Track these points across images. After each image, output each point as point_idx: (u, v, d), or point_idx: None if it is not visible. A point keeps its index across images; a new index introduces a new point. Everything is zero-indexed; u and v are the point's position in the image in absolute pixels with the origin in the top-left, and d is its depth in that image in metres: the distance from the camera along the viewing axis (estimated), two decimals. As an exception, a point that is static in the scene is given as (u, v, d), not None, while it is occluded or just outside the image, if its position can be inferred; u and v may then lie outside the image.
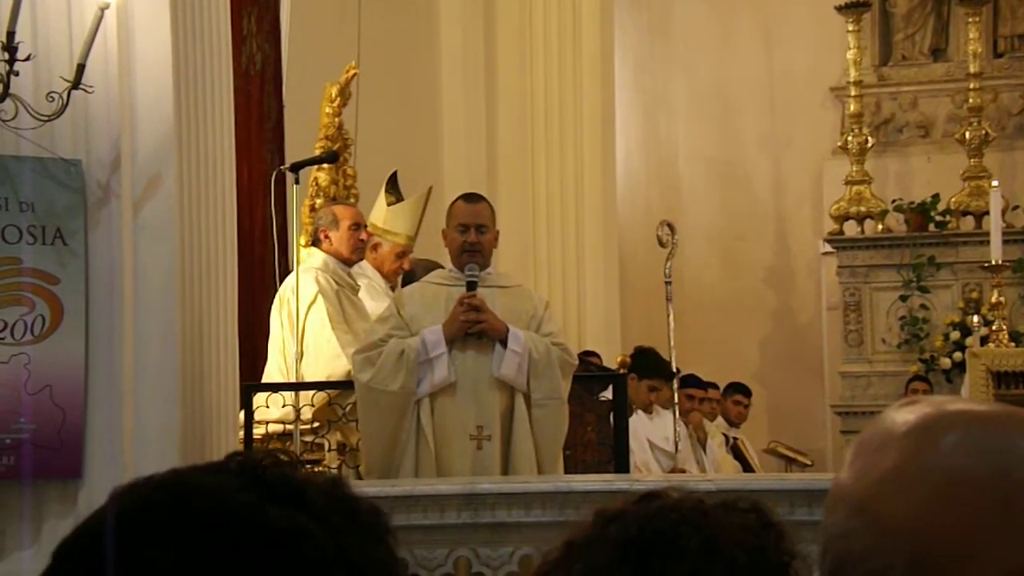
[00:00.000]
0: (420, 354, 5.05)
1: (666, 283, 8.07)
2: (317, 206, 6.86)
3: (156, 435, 4.80)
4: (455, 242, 5.22)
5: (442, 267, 5.69)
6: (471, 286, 5.12)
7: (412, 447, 5.05)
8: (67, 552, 1.01)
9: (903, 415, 1.13)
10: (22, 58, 4.53)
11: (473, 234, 5.19)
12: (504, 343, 5.09)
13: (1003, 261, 7.77)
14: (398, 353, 5.05)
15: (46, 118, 4.60)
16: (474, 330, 5.08)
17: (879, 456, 1.12)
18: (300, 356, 5.92)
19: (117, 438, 4.73)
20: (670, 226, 8.17)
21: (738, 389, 9.54)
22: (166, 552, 0.97)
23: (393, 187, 6.72)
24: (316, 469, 5.97)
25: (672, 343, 7.91)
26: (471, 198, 5.38)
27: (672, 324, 7.95)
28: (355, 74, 7.18)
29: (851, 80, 10.72)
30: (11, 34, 4.48)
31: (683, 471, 7.66)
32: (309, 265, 6.21)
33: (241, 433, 5.52)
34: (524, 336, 5.11)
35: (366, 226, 6.43)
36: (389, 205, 6.65)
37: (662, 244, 8.14)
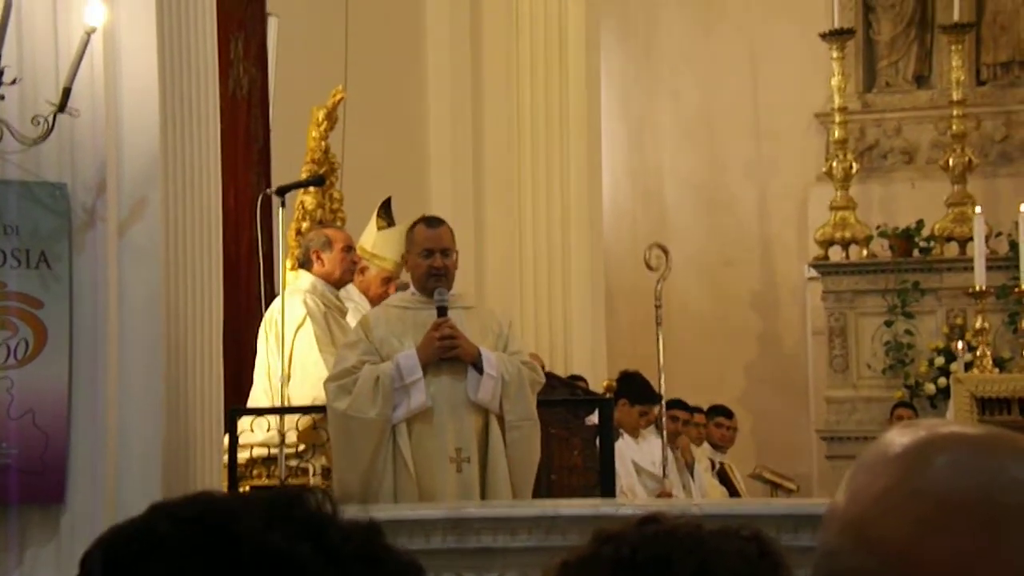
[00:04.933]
0: (395, 380, 5.03)
1: (656, 307, 8.06)
2: (303, 229, 6.85)
3: (139, 460, 4.78)
4: (420, 267, 5.23)
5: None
6: (442, 311, 5.12)
7: (390, 473, 5.03)
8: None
9: (898, 437, 1.15)
10: (8, 82, 4.52)
11: (438, 258, 5.20)
12: (476, 366, 5.09)
13: (987, 287, 7.80)
14: (373, 380, 5.02)
15: (32, 142, 4.60)
16: (449, 355, 5.08)
17: (872, 477, 1.13)
18: (287, 379, 5.91)
19: (100, 463, 4.70)
20: (663, 248, 8.16)
21: (719, 412, 9.54)
22: (160, 562, 1.04)
23: (386, 212, 6.72)
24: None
25: (662, 366, 7.91)
26: (432, 222, 5.37)
27: (662, 347, 7.95)
28: (342, 98, 7.19)
29: (835, 106, 10.76)
30: (-3, 57, 4.48)
31: (670, 495, 7.66)
32: (297, 287, 6.20)
33: (225, 457, 5.50)
34: (495, 358, 5.11)
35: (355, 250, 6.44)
36: (380, 230, 6.65)
37: (651, 267, 8.14)
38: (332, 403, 5.09)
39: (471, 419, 5.10)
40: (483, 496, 5.07)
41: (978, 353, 7.78)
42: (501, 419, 5.13)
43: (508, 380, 5.11)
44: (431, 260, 5.19)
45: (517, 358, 5.23)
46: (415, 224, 5.44)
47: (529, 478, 5.25)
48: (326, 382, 5.18)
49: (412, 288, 5.36)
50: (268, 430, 5.72)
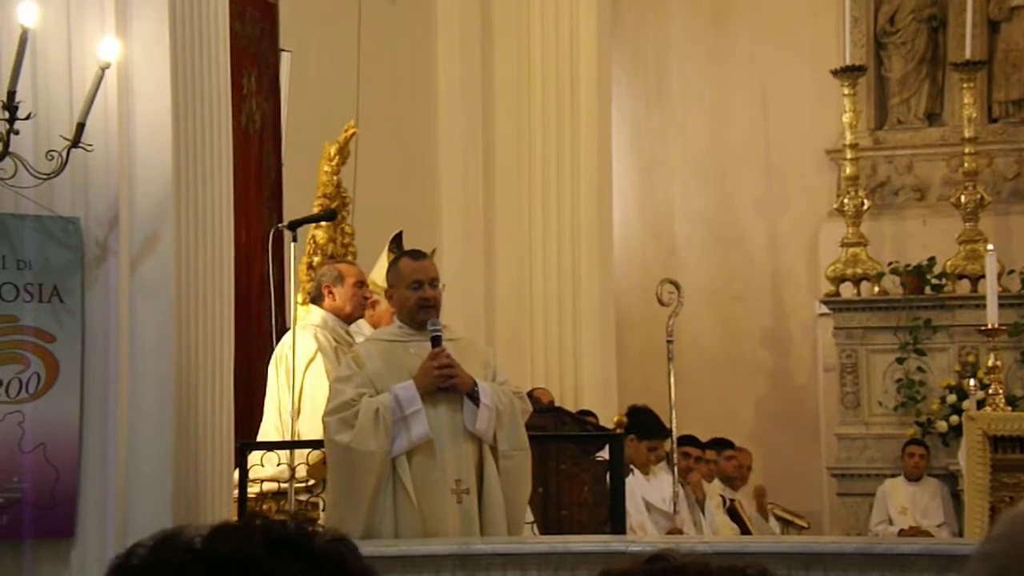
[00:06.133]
0: (395, 412, 4.99)
1: (668, 341, 8.05)
2: (315, 264, 6.87)
3: (149, 494, 4.77)
4: (409, 299, 5.17)
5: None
6: (436, 341, 5.09)
7: (390, 506, 4.99)
8: None
9: None
10: (22, 117, 4.55)
11: (427, 289, 5.17)
12: (471, 396, 5.06)
13: (999, 325, 7.76)
14: (373, 412, 4.98)
15: (45, 176, 4.62)
16: (447, 384, 5.06)
17: None
18: (297, 413, 5.90)
19: (110, 497, 4.70)
20: (675, 284, 8.16)
21: (723, 445, 9.48)
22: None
23: (397, 246, 6.73)
24: (311, 529, 5.92)
25: (673, 401, 7.89)
26: (417, 255, 5.36)
27: (673, 382, 7.93)
28: (354, 133, 7.22)
29: (847, 143, 10.78)
30: (12, 93, 4.51)
31: (680, 532, 7.62)
32: (307, 322, 6.21)
33: (235, 492, 5.49)
34: (489, 388, 5.09)
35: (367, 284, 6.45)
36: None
37: (662, 303, 8.14)
38: (334, 437, 5.00)
39: (468, 449, 5.07)
40: (481, 527, 5.03)
41: (990, 391, 7.74)
42: (494, 449, 5.11)
43: (502, 410, 5.08)
44: (420, 291, 5.15)
45: (507, 387, 5.21)
46: (398, 259, 5.43)
47: (522, 508, 5.22)
48: (325, 416, 5.07)
49: (398, 321, 5.31)
50: (278, 464, 5.71)
